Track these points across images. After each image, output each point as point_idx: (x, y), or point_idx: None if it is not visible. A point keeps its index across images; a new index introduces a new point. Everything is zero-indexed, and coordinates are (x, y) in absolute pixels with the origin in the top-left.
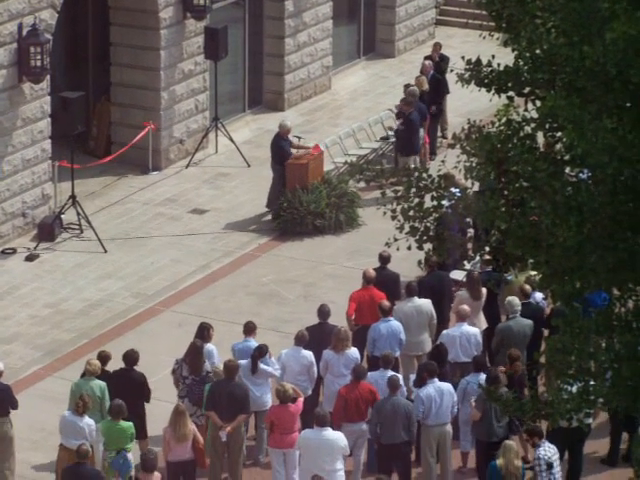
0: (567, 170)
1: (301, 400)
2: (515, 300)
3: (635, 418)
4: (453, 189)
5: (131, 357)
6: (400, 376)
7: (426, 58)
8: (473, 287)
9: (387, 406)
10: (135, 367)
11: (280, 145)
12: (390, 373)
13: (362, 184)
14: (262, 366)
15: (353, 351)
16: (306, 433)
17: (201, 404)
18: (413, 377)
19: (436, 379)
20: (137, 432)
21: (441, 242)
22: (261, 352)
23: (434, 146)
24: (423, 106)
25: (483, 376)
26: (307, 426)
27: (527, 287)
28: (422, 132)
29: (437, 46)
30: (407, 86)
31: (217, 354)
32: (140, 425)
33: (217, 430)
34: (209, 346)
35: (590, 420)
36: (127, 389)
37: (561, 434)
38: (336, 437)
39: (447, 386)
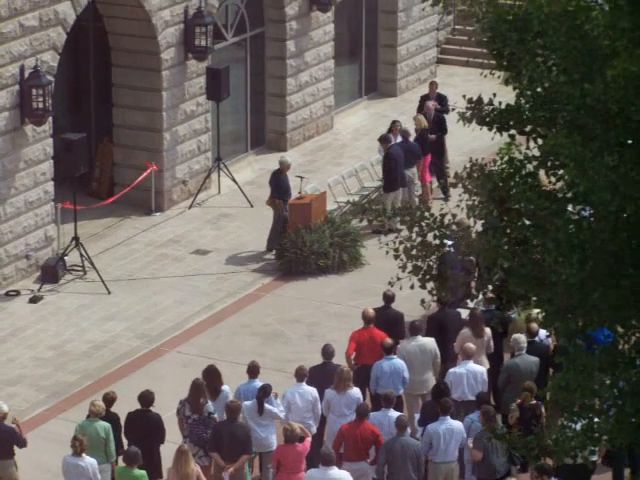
0: (569, 208)
1: (309, 440)
2: (521, 337)
3: (638, 454)
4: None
5: (147, 398)
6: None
7: (423, 97)
8: (476, 325)
9: (396, 446)
10: (151, 408)
11: (280, 179)
12: (392, 412)
13: (365, 223)
14: (268, 406)
15: (355, 391)
16: (312, 472)
17: (202, 444)
18: (417, 416)
19: (448, 417)
20: (152, 473)
21: (443, 281)
22: (265, 392)
23: (446, 187)
24: (415, 145)
25: None
26: (311, 466)
27: (534, 325)
28: (415, 171)
29: (434, 85)
30: (393, 123)
31: (230, 395)
32: (155, 466)
33: (220, 471)
34: (225, 387)
35: (595, 457)
36: (144, 430)
37: (566, 471)
38: (342, 476)
39: (457, 424)
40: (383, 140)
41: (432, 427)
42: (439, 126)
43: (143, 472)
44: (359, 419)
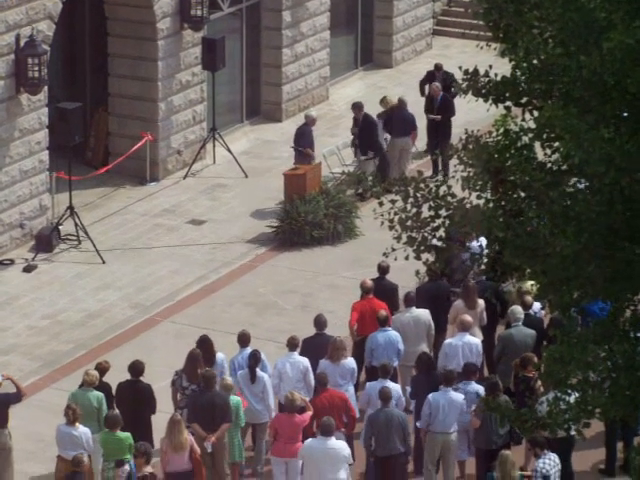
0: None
1: (309, 414)
2: (517, 309)
3: (631, 427)
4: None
5: (137, 368)
6: (398, 386)
7: (429, 73)
8: (468, 297)
9: (380, 418)
10: (141, 378)
11: (307, 131)
12: (389, 383)
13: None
14: (260, 373)
15: (349, 361)
16: (310, 442)
17: None
18: (409, 389)
19: (450, 389)
20: None
21: (439, 251)
22: (256, 359)
23: (447, 166)
24: (410, 115)
25: (474, 384)
26: (306, 437)
27: (528, 298)
28: (409, 141)
29: (439, 68)
30: (383, 100)
31: (225, 364)
32: (147, 436)
33: (201, 441)
34: (219, 355)
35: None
36: (134, 400)
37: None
38: (340, 446)
39: (458, 396)
40: (354, 108)
41: (433, 397)
42: (446, 108)
43: (127, 434)
44: (321, 388)
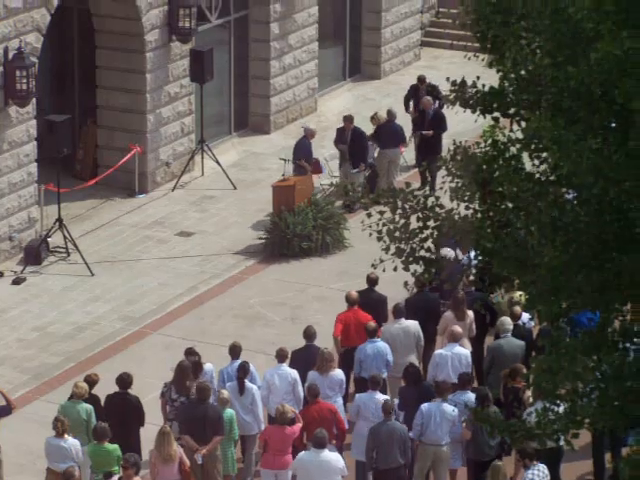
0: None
1: (299, 425)
2: (507, 320)
3: (619, 438)
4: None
5: (125, 381)
6: (387, 398)
7: (413, 87)
8: (458, 308)
9: (383, 430)
10: (129, 390)
11: (305, 144)
12: (379, 395)
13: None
14: (249, 384)
15: (337, 372)
16: (303, 455)
17: None
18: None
19: (445, 402)
20: None
21: (429, 263)
22: (245, 370)
23: (434, 178)
24: (399, 127)
25: (469, 394)
26: (295, 450)
27: (517, 309)
28: (398, 152)
29: (422, 81)
30: (373, 117)
31: (214, 374)
32: (135, 448)
33: (192, 454)
34: (208, 365)
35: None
36: (123, 412)
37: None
38: (334, 458)
39: (450, 409)
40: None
41: (425, 407)
42: (438, 123)
43: (115, 446)
44: (312, 400)
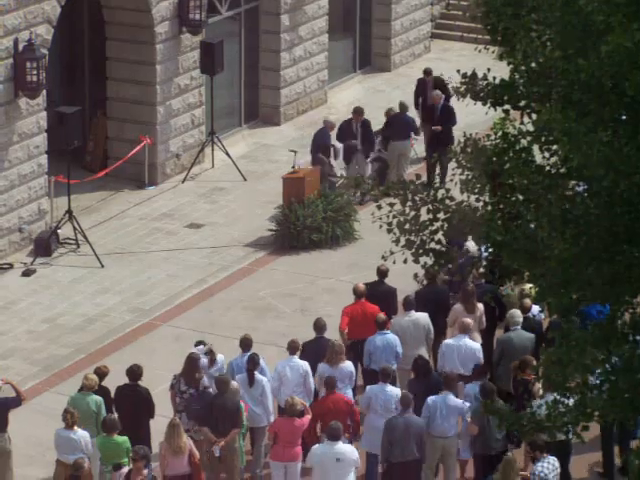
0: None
1: (308, 417)
2: (516, 312)
3: (628, 431)
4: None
5: (135, 373)
6: (398, 390)
7: (420, 81)
8: (467, 300)
9: (400, 423)
10: (139, 382)
11: (322, 135)
12: (389, 387)
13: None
14: (258, 376)
15: (347, 364)
16: (318, 448)
17: (198, 418)
18: None
19: (451, 394)
20: None
21: (438, 255)
22: (254, 362)
23: (445, 173)
24: (411, 118)
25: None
26: (304, 443)
27: (527, 301)
28: (408, 144)
29: (428, 73)
30: (388, 112)
31: (224, 366)
32: (145, 440)
33: (210, 445)
34: (219, 357)
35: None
36: (132, 404)
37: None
38: (348, 450)
39: (458, 401)
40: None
41: (431, 400)
42: (447, 117)
43: (125, 438)
44: (329, 391)
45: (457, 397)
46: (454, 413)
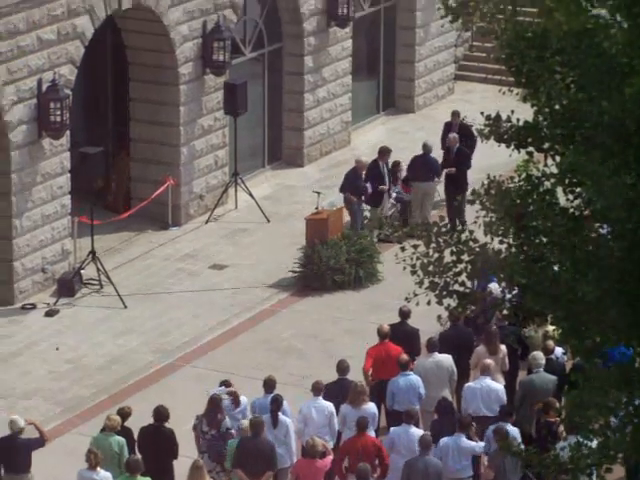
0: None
1: (330, 458)
2: (539, 354)
3: None
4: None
5: (161, 413)
6: (420, 432)
7: (447, 125)
8: (490, 342)
9: (419, 465)
10: (165, 423)
11: (355, 177)
12: (413, 428)
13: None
14: (282, 417)
15: (370, 406)
16: None
17: (220, 460)
18: None
19: (463, 435)
20: None
21: (462, 296)
22: (278, 403)
23: (462, 216)
24: (434, 160)
25: (509, 427)
26: None
27: (550, 343)
28: (432, 185)
29: (455, 115)
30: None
31: (248, 407)
32: None
33: None
34: (243, 398)
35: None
36: (156, 445)
37: None
38: None
39: (470, 444)
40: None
41: (442, 442)
42: (462, 161)
43: (148, 479)
44: (360, 432)
45: (471, 439)
46: (466, 455)
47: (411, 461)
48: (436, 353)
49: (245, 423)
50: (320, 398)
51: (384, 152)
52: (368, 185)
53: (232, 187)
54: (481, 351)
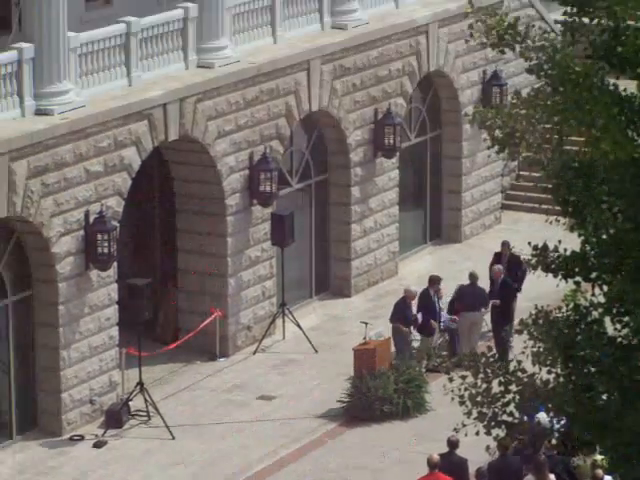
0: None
1: None
2: None
3: None
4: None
5: None
6: None
7: (497, 255)
8: (539, 472)
9: None
10: None
11: (405, 306)
12: None
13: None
14: None
15: None
16: None
17: None
18: None
19: None
20: None
21: (510, 427)
22: None
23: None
24: (482, 290)
25: None
26: None
27: (599, 472)
28: (480, 315)
29: (505, 246)
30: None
31: None
32: None
33: None
34: None
35: None
36: None
37: None
38: None
39: None
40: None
41: None
42: (506, 293)
43: None
44: None
45: None
46: None
47: None
48: None
49: None
50: None
51: (434, 281)
52: (419, 315)
53: (280, 318)
54: None
